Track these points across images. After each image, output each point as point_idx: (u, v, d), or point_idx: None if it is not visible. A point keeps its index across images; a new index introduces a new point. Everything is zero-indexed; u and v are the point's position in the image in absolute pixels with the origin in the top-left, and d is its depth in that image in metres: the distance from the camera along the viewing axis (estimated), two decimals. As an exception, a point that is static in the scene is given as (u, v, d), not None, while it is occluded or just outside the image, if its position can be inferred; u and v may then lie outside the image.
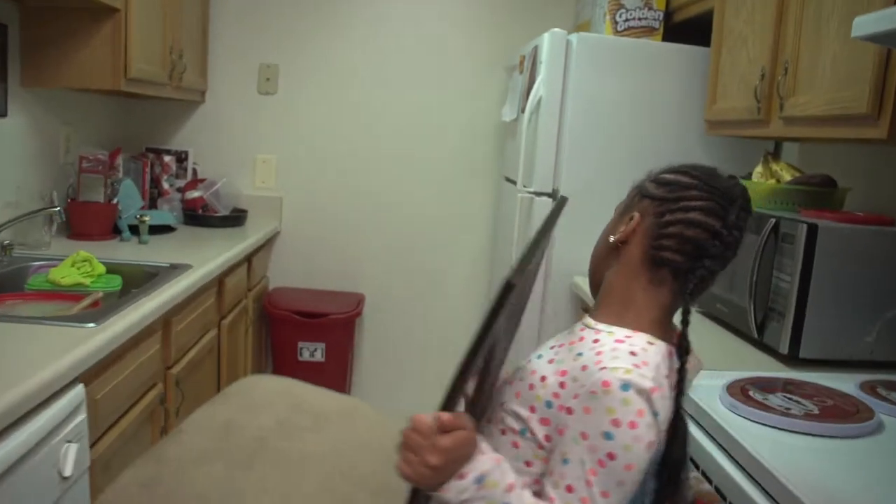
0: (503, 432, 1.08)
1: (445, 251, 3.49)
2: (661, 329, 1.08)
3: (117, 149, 2.81)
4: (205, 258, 2.47)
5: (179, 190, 3.30)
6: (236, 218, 3.27)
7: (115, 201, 2.79)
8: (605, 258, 1.15)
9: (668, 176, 1.12)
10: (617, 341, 1.03)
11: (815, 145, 2.44)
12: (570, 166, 2.57)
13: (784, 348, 1.70)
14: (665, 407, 0.99)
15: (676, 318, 1.08)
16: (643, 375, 0.97)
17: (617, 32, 2.72)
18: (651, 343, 1.03)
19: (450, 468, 0.92)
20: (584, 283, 2.44)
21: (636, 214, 1.11)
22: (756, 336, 1.81)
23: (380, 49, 3.38)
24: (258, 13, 3.35)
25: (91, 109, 3.00)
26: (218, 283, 2.60)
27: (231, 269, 2.72)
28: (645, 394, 0.96)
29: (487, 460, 0.95)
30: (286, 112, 3.41)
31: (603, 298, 1.12)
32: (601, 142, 2.57)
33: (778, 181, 2.00)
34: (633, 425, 0.95)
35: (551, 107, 2.54)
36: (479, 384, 1.08)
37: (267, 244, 3.42)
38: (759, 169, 2.10)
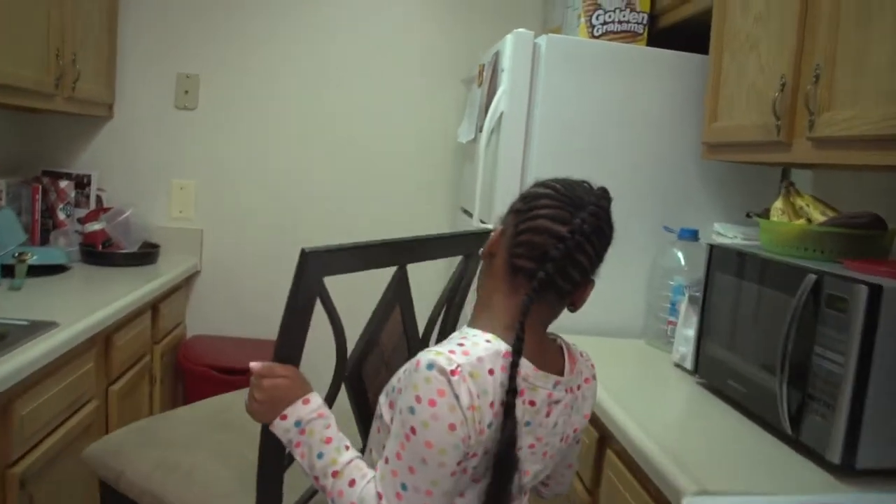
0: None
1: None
2: (540, 351, 1.11)
3: (-15, 173, 2.30)
4: (87, 310, 1.97)
5: (80, 220, 2.78)
6: (145, 255, 2.75)
7: (-18, 237, 2.27)
8: (483, 275, 1.18)
9: (529, 190, 1.15)
10: (462, 337, 1.07)
11: (832, 172, 2.00)
12: (539, 197, 2.11)
13: (834, 455, 1.23)
14: (470, 395, 1.00)
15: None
16: (450, 359, 1.00)
17: (593, 38, 2.27)
18: (488, 341, 1.06)
19: (273, 407, 1.11)
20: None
21: (500, 227, 1.15)
22: (789, 432, 1.34)
23: (318, 59, 2.91)
24: (176, 14, 2.86)
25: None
26: (104, 341, 2.09)
27: (125, 322, 2.21)
28: (445, 374, 0.99)
29: (308, 410, 1.11)
30: (207, 130, 2.91)
31: (475, 307, 1.16)
32: (575, 168, 2.10)
33: (809, 220, 1.55)
34: (431, 403, 0.99)
35: (514, 124, 2.08)
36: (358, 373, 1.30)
37: (184, 285, 2.91)
38: (778, 204, 1.65)
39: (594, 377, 1.22)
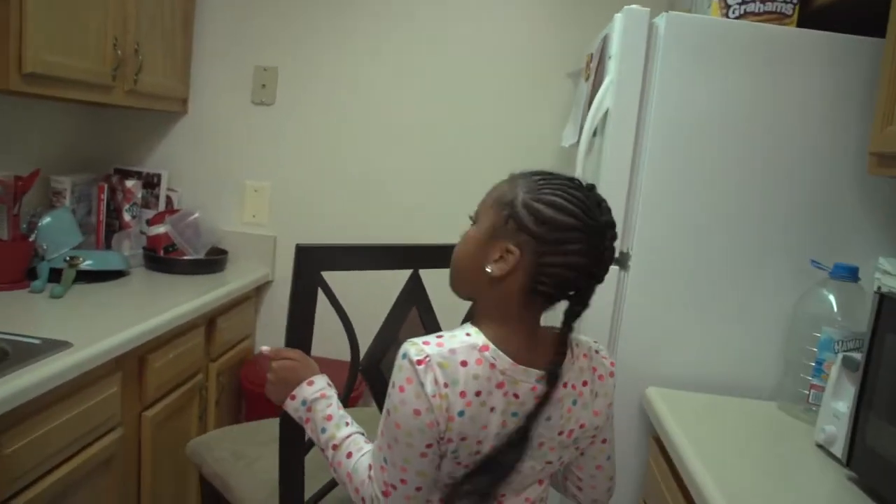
0: None
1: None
2: (529, 346, 1.12)
3: (35, 171, 2.11)
4: (117, 326, 1.75)
5: (148, 222, 2.59)
6: (211, 262, 2.52)
7: (31, 237, 2.09)
8: (475, 281, 1.14)
9: (546, 212, 1.08)
10: (451, 331, 1.13)
11: None
12: (650, 216, 1.69)
13: None
14: (436, 384, 1.05)
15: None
16: (421, 350, 1.06)
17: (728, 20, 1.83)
18: (468, 334, 1.10)
19: (284, 388, 1.25)
20: (658, 396, 1.58)
21: (515, 251, 1.09)
22: None
23: (406, 53, 2.59)
24: (255, 1, 2.62)
25: (54, 120, 2.35)
26: (136, 361, 1.85)
27: (168, 339, 1.97)
28: (412, 364, 1.06)
29: (312, 390, 1.23)
30: (285, 127, 2.66)
31: (481, 319, 1.14)
32: (699, 184, 1.68)
33: None
34: (401, 389, 1.06)
35: (622, 125, 1.67)
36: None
37: (254, 295, 2.66)
38: None
39: (611, 375, 1.23)
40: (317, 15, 2.60)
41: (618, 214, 1.69)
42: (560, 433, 1.16)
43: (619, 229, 1.68)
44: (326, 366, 1.32)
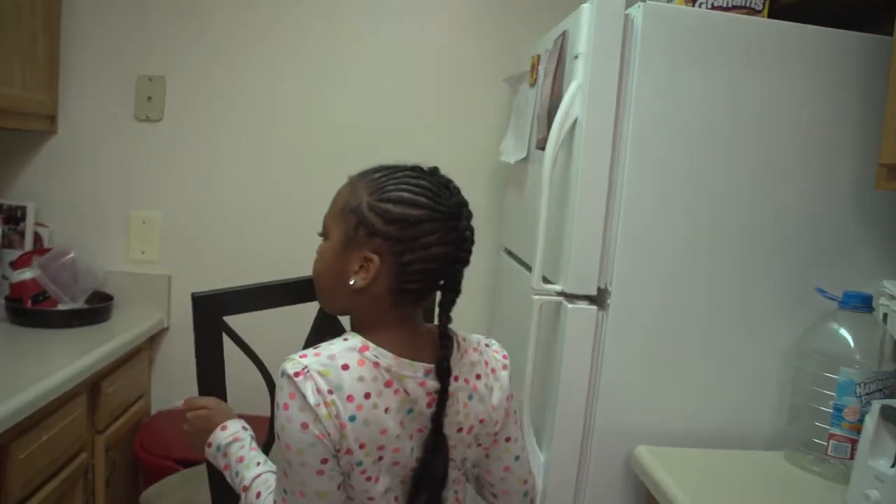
0: None
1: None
2: (410, 340, 1.09)
3: None
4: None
5: (11, 265, 2.14)
6: (91, 312, 2.10)
7: None
8: (342, 294, 1.11)
9: (395, 210, 1.05)
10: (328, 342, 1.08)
11: None
12: (631, 245, 1.42)
13: None
14: (319, 392, 1.00)
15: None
16: (298, 363, 1.02)
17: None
18: (346, 339, 1.07)
19: (200, 436, 1.21)
20: (651, 457, 1.31)
21: (374, 257, 1.06)
22: None
23: (314, 59, 2.25)
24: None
25: None
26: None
27: (33, 422, 1.55)
28: (290, 378, 1.01)
29: (226, 435, 1.19)
30: (176, 147, 2.26)
31: (358, 328, 1.11)
32: (685, 200, 1.43)
33: None
34: (285, 406, 1.01)
35: (596, 137, 1.39)
36: None
37: (147, 346, 2.25)
38: None
39: (504, 368, 1.18)
40: (212, 16, 2.22)
41: (593, 244, 1.43)
42: (459, 430, 1.12)
43: (596, 260, 1.44)
44: (255, 423, 1.26)
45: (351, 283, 1.08)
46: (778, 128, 1.43)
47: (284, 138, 2.26)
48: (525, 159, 1.81)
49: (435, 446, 1.07)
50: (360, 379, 1.02)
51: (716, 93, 1.40)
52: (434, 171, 1.13)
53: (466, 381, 1.12)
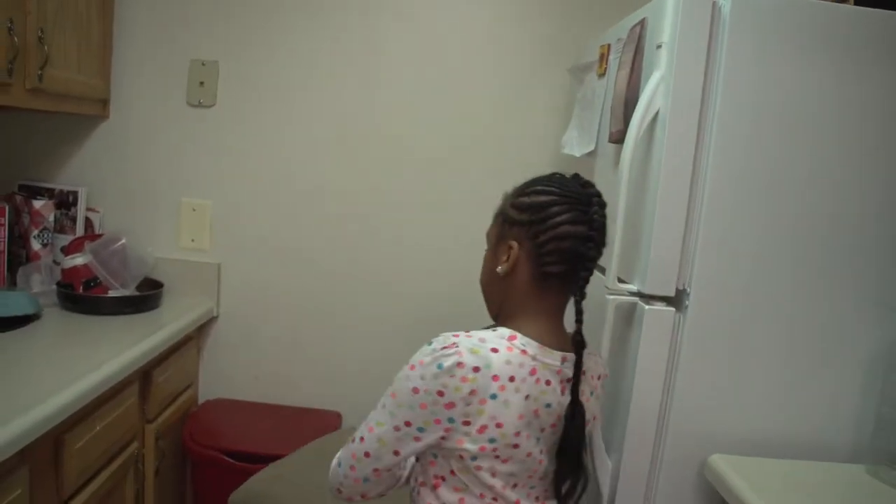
0: None
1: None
2: (552, 330, 1.17)
3: None
4: (16, 406, 1.30)
5: (63, 250, 2.12)
6: (142, 299, 2.08)
7: None
8: (498, 289, 1.22)
9: (527, 200, 1.17)
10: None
11: None
12: (713, 244, 1.35)
13: None
14: (454, 366, 1.07)
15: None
16: (447, 338, 1.10)
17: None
18: (494, 329, 1.15)
19: None
20: (727, 466, 1.25)
21: (514, 243, 1.17)
22: None
23: (374, 46, 2.19)
24: (190, -17, 2.18)
25: None
26: (52, 443, 1.41)
27: (87, 412, 1.53)
28: (432, 349, 1.10)
29: None
30: (228, 134, 2.23)
31: (505, 320, 1.19)
32: (770, 199, 1.36)
33: None
34: (412, 367, 1.11)
35: (680, 131, 1.32)
36: None
37: (196, 335, 2.23)
38: None
39: (605, 376, 1.26)
40: (267, 1, 2.18)
41: (673, 243, 1.36)
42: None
43: (676, 260, 1.36)
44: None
45: (498, 270, 1.18)
46: (869, 121, 1.35)
47: (336, 127, 2.22)
48: (592, 153, 1.74)
49: (573, 412, 1.13)
50: (508, 362, 1.10)
51: (806, 84, 1.33)
52: (574, 175, 1.20)
53: (592, 377, 1.22)
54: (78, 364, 1.58)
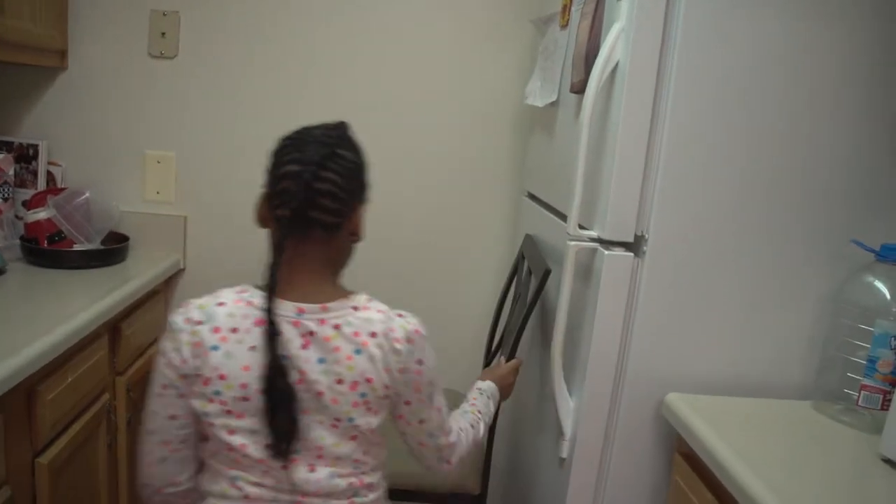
0: None
1: (436, 308, 2.32)
2: (292, 280, 1.16)
3: None
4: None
5: (24, 204, 2.10)
6: (108, 253, 2.08)
7: None
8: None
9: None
10: None
11: None
12: (670, 192, 1.40)
13: None
14: (189, 321, 1.14)
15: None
16: (187, 301, 1.17)
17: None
18: (235, 290, 1.18)
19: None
20: (683, 403, 1.33)
21: (262, 191, 1.21)
22: None
23: (338, -10, 2.18)
24: (147, -71, 2.14)
25: None
26: (24, 394, 1.43)
27: (59, 364, 1.55)
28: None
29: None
30: (191, 85, 2.21)
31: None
32: (727, 149, 1.40)
33: None
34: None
35: (639, 82, 1.36)
36: None
37: (163, 289, 2.24)
38: None
39: (411, 340, 1.18)
40: (225, -54, 2.14)
41: (632, 190, 1.40)
42: (339, 381, 1.14)
43: (634, 207, 1.41)
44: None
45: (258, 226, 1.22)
46: (825, 65, 1.38)
47: (300, 77, 2.21)
48: (555, 103, 1.77)
49: (271, 366, 1.10)
50: (231, 315, 1.13)
51: (764, 37, 1.36)
52: (337, 123, 1.23)
53: (357, 333, 1.14)
54: (48, 317, 1.59)
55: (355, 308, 1.17)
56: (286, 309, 1.13)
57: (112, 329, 1.85)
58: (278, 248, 1.13)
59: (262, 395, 1.11)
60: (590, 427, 1.48)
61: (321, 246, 1.17)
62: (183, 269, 2.30)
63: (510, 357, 1.67)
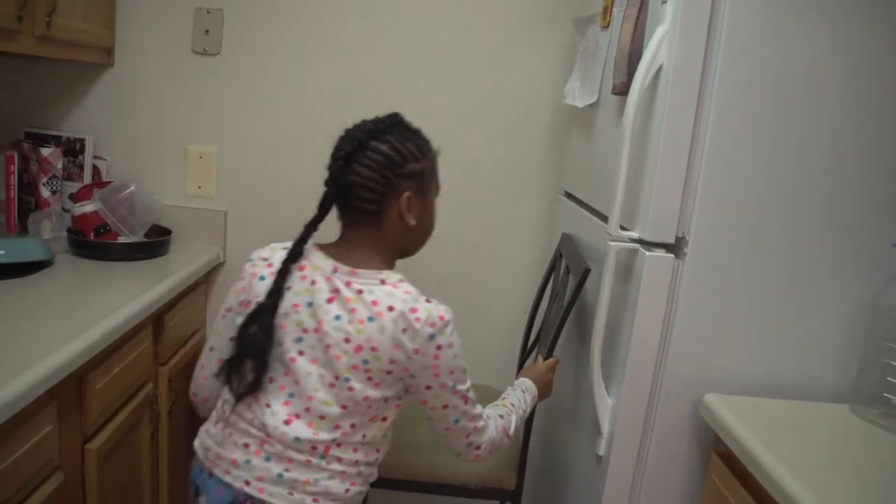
0: None
1: (472, 305, 2.34)
2: (339, 246, 1.35)
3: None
4: (40, 349, 1.36)
5: (71, 197, 2.16)
6: (152, 245, 2.13)
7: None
8: None
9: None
10: None
11: None
12: (712, 195, 1.41)
13: None
14: (251, 262, 1.40)
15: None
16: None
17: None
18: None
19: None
20: (721, 404, 1.34)
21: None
22: None
23: (378, -10, 2.21)
24: (193, -71, 2.18)
25: None
26: (76, 382, 1.47)
27: (108, 353, 1.59)
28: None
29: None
30: (234, 82, 2.25)
31: None
32: (768, 153, 1.41)
33: None
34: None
35: (683, 85, 1.37)
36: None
37: (203, 281, 2.29)
38: None
39: (429, 323, 1.24)
40: (269, -54, 2.18)
41: (674, 192, 1.41)
42: (347, 340, 1.24)
43: (676, 208, 1.42)
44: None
45: None
46: (873, 74, 1.38)
47: (341, 75, 2.24)
48: (595, 104, 1.78)
49: (268, 297, 1.28)
50: (282, 260, 1.30)
51: (808, 41, 1.36)
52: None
53: (375, 303, 1.25)
54: (95, 308, 1.63)
55: (383, 282, 1.28)
56: (326, 264, 1.30)
57: (156, 320, 1.90)
58: (322, 212, 1.35)
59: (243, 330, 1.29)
60: (627, 425, 1.50)
61: (368, 227, 1.32)
62: (223, 263, 2.34)
63: (548, 356, 1.69)
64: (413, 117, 2.23)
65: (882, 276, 1.45)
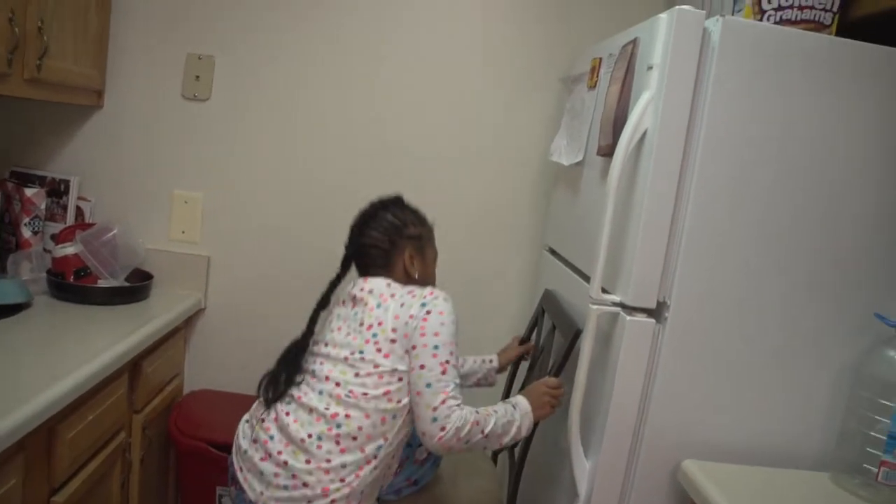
0: None
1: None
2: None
3: None
4: (12, 397, 1.33)
5: (53, 238, 2.14)
6: (132, 290, 2.11)
7: None
8: None
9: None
10: None
11: None
12: (694, 259, 1.41)
13: None
14: None
15: None
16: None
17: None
18: None
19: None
20: (699, 471, 1.32)
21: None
22: None
23: (367, 47, 2.23)
24: (188, -22, 2.20)
25: None
26: (46, 433, 1.44)
27: (79, 404, 1.56)
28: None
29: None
30: (222, 128, 2.25)
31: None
32: (750, 218, 1.42)
33: None
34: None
35: (667, 150, 1.38)
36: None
37: (184, 326, 2.26)
38: None
39: (424, 295, 1.52)
40: (263, -3, 2.20)
41: (656, 258, 1.42)
42: (360, 324, 1.52)
43: (657, 274, 1.42)
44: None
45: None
46: (851, 139, 1.41)
47: (330, 125, 2.25)
48: (581, 162, 1.79)
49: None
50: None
51: (790, 110, 1.39)
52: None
53: (382, 295, 1.55)
54: (72, 354, 1.61)
55: (388, 284, 1.56)
56: (356, 290, 1.59)
57: (133, 366, 1.87)
58: (343, 271, 1.68)
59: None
60: (605, 489, 1.48)
61: (382, 273, 1.61)
62: (203, 309, 2.32)
63: None
64: (403, 171, 2.25)
65: (864, 344, 1.45)
